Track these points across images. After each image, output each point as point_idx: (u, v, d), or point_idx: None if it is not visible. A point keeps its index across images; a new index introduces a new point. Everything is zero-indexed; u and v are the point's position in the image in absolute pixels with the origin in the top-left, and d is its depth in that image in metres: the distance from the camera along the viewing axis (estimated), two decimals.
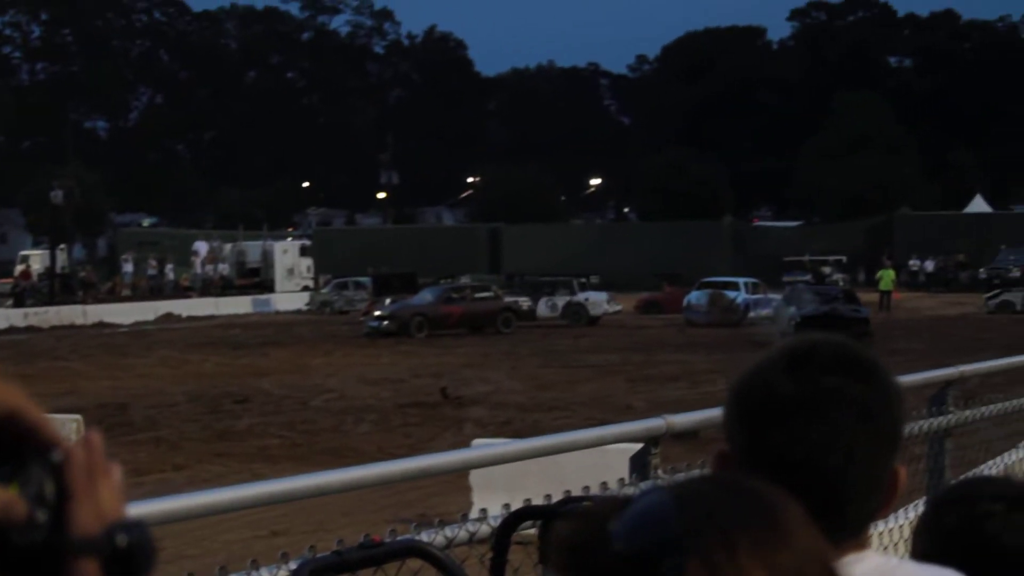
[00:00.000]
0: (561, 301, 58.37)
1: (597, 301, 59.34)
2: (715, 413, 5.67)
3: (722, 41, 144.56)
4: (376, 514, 16.72)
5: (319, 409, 29.89)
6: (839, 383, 1.90)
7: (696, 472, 5.05)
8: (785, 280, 76.64)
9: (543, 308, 57.91)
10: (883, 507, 1.96)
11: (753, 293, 57.68)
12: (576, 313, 57.92)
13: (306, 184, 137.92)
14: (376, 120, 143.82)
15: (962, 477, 2.70)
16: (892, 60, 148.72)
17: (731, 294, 56.92)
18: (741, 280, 58.82)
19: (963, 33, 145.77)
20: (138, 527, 1.18)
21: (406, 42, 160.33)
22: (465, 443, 20.87)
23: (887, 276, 65.10)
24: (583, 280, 62.47)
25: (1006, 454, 10.13)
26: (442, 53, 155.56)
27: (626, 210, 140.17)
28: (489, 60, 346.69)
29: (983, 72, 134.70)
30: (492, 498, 14.89)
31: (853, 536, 1.94)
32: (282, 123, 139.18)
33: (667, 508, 1.38)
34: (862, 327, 42.98)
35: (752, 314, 55.21)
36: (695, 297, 57.41)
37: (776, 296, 56.88)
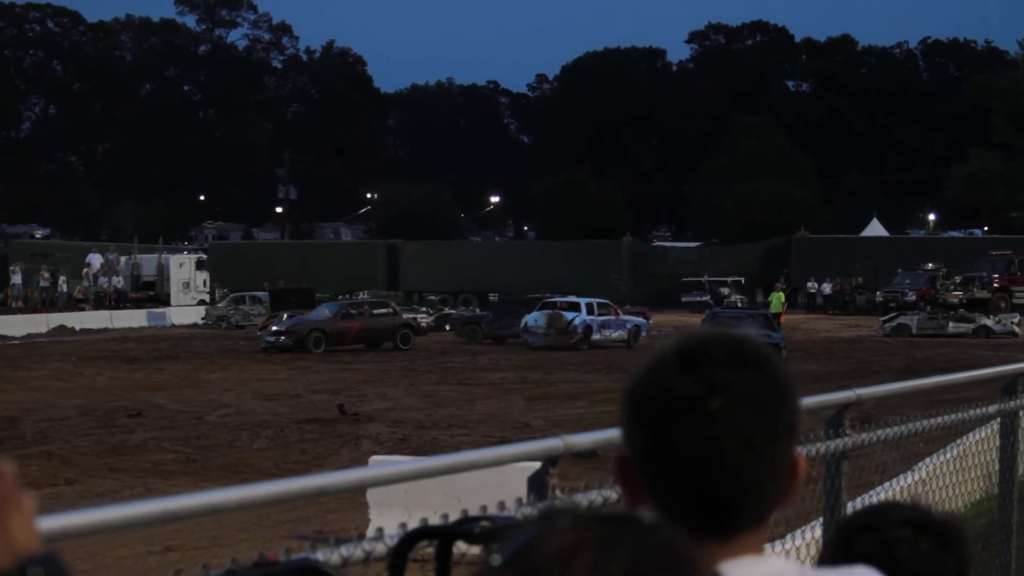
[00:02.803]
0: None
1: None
2: (613, 433, 5.65)
3: (621, 62, 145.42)
4: (272, 530, 16.62)
5: (215, 424, 29.64)
6: (732, 376, 1.90)
7: (594, 493, 5.03)
8: (684, 300, 77.12)
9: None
10: (785, 496, 1.97)
11: (603, 314, 55.28)
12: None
13: (202, 198, 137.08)
14: (274, 135, 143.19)
15: (868, 503, 2.72)
16: (790, 84, 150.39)
17: (570, 315, 54.22)
18: (583, 300, 56.08)
19: (859, 59, 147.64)
20: (52, 560, 1.13)
21: (304, 57, 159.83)
22: (362, 460, 20.80)
23: (776, 299, 66.30)
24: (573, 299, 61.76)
25: (901, 476, 10.23)
26: (341, 68, 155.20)
27: (525, 228, 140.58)
28: (388, 76, 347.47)
29: (879, 97, 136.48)
30: (390, 515, 14.88)
31: (755, 526, 1.94)
32: (178, 136, 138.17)
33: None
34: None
35: (597, 336, 53.70)
36: (533, 319, 54.76)
37: (630, 318, 56.50)
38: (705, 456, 1.88)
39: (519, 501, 4.86)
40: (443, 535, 3.93)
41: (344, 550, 4.06)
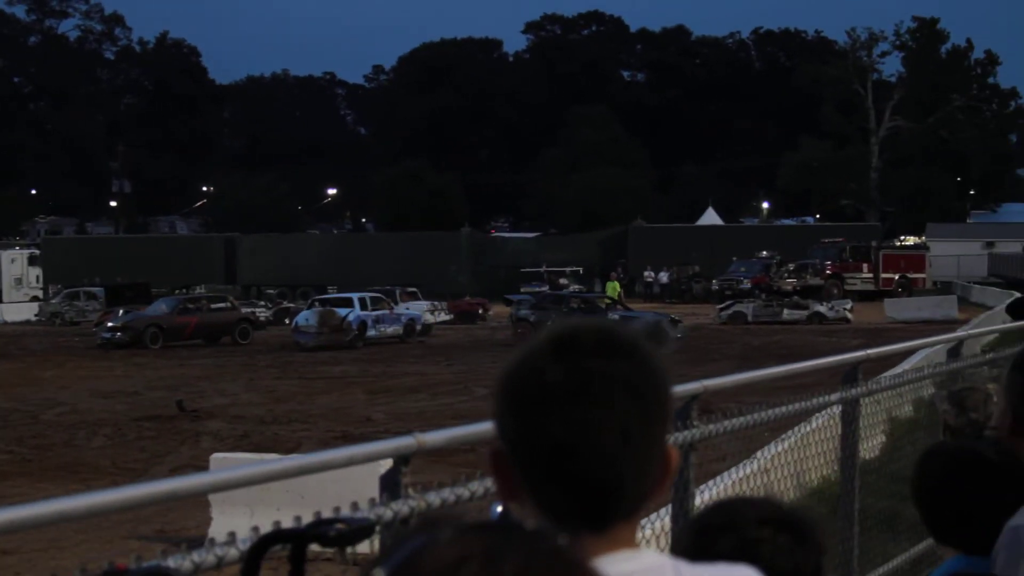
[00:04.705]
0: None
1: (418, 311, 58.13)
2: (465, 431, 5.63)
3: (458, 52, 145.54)
4: (112, 531, 16.35)
5: (50, 423, 29.15)
6: (606, 365, 1.89)
7: (447, 491, 5.00)
8: (523, 291, 77.41)
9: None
10: (657, 486, 1.96)
11: (376, 309, 53.46)
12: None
13: (34, 192, 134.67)
14: (107, 127, 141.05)
15: (718, 499, 2.74)
16: (625, 74, 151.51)
17: (343, 311, 51.92)
18: (356, 296, 54.08)
19: (693, 49, 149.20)
20: None
21: (138, 48, 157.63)
22: (203, 457, 20.57)
23: (612, 288, 67.08)
24: (412, 290, 61.39)
25: (743, 465, 10.34)
26: (175, 60, 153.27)
27: (363, 220, 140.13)
28: (223, 68, 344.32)
29: (713, 88, 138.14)
30: (232, 513, 14.74)
31: (629, 517, 1.94)
32: (8, 129, 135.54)
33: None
34: None
35: (372, 332, 51.97)
36: (304, 317, 52.23)
37: (404, 311, 55.67)
38: (580, 444, 1.87)
39: (372, 501, 4.82)
40: (297, 538, 3.87)
41: (196, 556, 4.00)
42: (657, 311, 53.32)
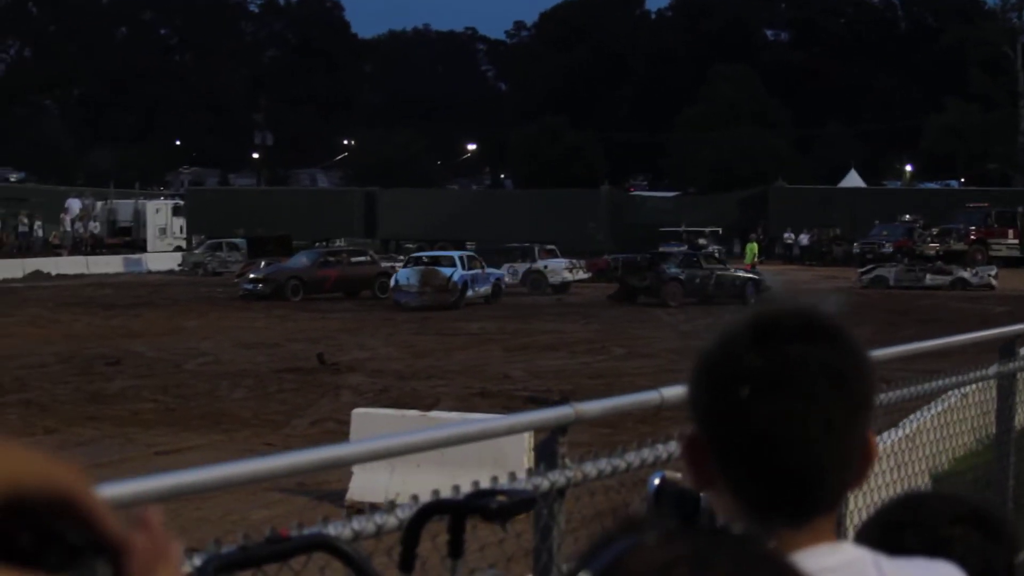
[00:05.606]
0: (522, 268, 56.90)
1: (556, 268, 58.12)
2: (622, 401, 5.58)
3: (600, 9, 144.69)
4: (253, 483, 16.53)
5: (193, 373, 29.58)
6: (807, 351, 1.83)
7: (604, 462, 4.96)
8: (661, 250, 77.19)
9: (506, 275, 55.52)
10: (858, 476, 1.90)
11: (470, 268, 51.26)
12: (536, 281, 56.46)
13: (178, 143, 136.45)
14: (250, 80, 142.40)
15: (907, 493, 2.67)
16: (768, 33, 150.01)
17: (446, 271, 49.69)
18: (456, 254, 52.94)
19: (838, 9, 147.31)
20: None
21: (281, 2, 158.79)
22: (343, 411, 20.77)
23: (750, 249, 66.71)
24: (551, 247, 61.70)
25: (888, 432, 10.22)
26: (317, 14, 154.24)
27: (502, 176, 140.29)
28: (365, 22, 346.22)
29: (857, 47, 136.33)
30: (372, 468, 14.83)
31: (829, 509, 1.89)
32: (153, 81, 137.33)
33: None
34: None
35: (470, 292, 49.98)
36: (404, 276, 49.88)
37: (494, 271, 53.88)
38: (781, 434, 1.82)
39: (529, 472, 4.80)
40: (457, 509, 3.87)
41: (356, 524, 4.04)
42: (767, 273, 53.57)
